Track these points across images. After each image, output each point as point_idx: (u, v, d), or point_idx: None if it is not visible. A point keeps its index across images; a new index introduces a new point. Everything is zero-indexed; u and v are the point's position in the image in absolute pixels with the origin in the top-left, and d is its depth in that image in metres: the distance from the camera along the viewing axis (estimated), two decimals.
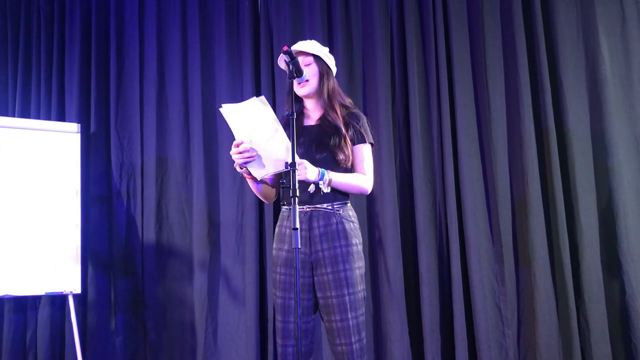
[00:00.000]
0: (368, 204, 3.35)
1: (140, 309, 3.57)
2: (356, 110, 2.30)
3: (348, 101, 2.32)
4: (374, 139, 2.31)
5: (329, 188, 2.12)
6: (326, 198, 2.16)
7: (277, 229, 2.28)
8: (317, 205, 2.16)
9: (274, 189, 2.34)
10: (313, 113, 2.30)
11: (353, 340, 2.10)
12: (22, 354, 3.57)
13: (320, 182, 2.09)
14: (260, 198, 2.34)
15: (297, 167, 1.97)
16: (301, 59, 2.20)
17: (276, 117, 2.00)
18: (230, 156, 2.09)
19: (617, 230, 3.08)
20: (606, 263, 3.12)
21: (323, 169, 2.11)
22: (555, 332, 3.11)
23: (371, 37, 3.44)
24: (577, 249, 3.13)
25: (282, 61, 2.25)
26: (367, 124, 2.28)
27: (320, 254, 2.14)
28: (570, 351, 3.05)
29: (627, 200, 3.10)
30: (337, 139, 2.18)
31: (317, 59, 2.23)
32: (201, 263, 3.53)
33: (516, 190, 3.25)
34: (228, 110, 2.01)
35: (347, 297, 2.10)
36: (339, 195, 2.19)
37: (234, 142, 2.06)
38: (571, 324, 3.05)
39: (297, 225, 1.83)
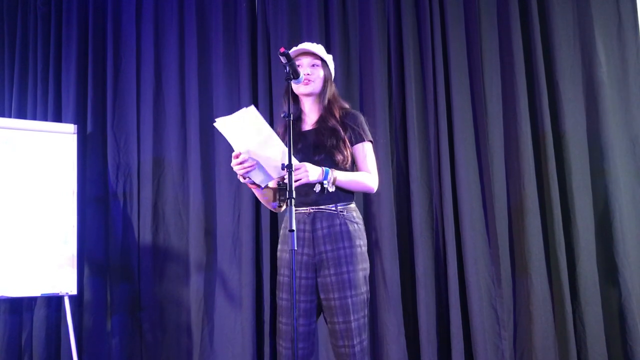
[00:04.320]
0: (365, 205, 3.35)
1: (136, 311, 3.56)
2: (352, 111, 2.30)
3: (347, 106, 2.33)
4: (372, 137, 2.30)
5: (334, 187, 2.11)
6: (330, 199, 2.15)
7: (282, 231, 2.28)
8: (321, 207, 2.16)
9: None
10: (310, 116, 2.30)
11: (355, 342, 2.09)
12: (17, 356, 3.56)
13: (325, 182, 2.09)
14: (268, 207, 2.33)
15: (296, 170, 1.98)
16: (310, 59, 2.22)
17: (269, 125, 1.98)
18: (230, 163, 2.08)
19: (613, 232, 3.09)
20: (602, 265, 3.12)
21: (327, 168, 2.10)
22: (552, 334, 3.11)
23: (368, 39, 3.45)
24: (573, 251, 3.13)
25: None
26: (364, 123, 2.27)
27: (324, 255, 2.14)
28: (567, 353, 3.05)
29: (623, 203, 3.11)
30: (335, 140, 2.17)
31: (324, 63, 2.26)
32: (197, 264, 3.52)
33: (513, 193, 3.26)
34: (222, 124, 2.01)
35: (349, 299, 2.09)
36: (342, 195, 2.18)
37: (233, 154, 2.06)
38: (567, 326, 3.06)
39: (294, 227, 1.82)
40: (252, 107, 1.94)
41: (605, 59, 3.23)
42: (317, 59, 2.24)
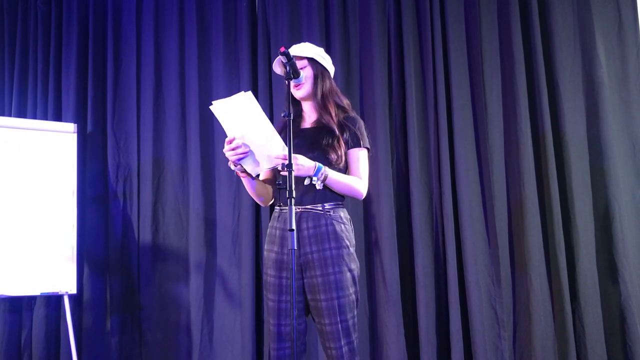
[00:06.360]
0: (365, 205, 3.35)
1: (135, 310, 3.56)
2: (353, 114, 2.28)
3: (346, 102, 2.29)
4: (370, 143, 2.28)
5: (322, 185, 2.07)
6: (317, 199, 2.13)
7: (268, 230, 2.26)
8: (308, 206, 2.14)
9: (270, 190, 2.31)
10: (309, 116, 2.29)
11: (342, 343, 2.08)
12: (17, 355, 3.56)
13: (315, 177, 2.06)
14: (256, 200, 2.30)
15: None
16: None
17: (264, 113, 1.98)
18: (225, 156, 2.09)
19: (613, 233, 3.09)
20: (602, 266, 3.12)
21: (320, 164, 2.07)
22: (551, 334, 3.11)
23: (368, 38, 3.45)
24: (573, 251, 3.13)
25: (277, 65, 2.25)
26: (363, 128, 2.25)
27: (310, 256, 2.11)
28: (566, 353, 3.05)
29: (623, 203, 3.11)
30: (330, 139, 2.16)
31: (312, 61, 2.22)
32: (197, 264, 3.52)
33: (512, 193, 3.26)
34: (218, 107, 2.00)
35: (336, 301, 2.07)
36: (330, 195, 2.16)
37: (227, 139, 2.05)
38: (567, 327, 3.06)
39: (294, 227, 1.81)
40: (249, 93, 1.93)
41: (606, 59, 3.23)
42: (302, 59, 2.21)
